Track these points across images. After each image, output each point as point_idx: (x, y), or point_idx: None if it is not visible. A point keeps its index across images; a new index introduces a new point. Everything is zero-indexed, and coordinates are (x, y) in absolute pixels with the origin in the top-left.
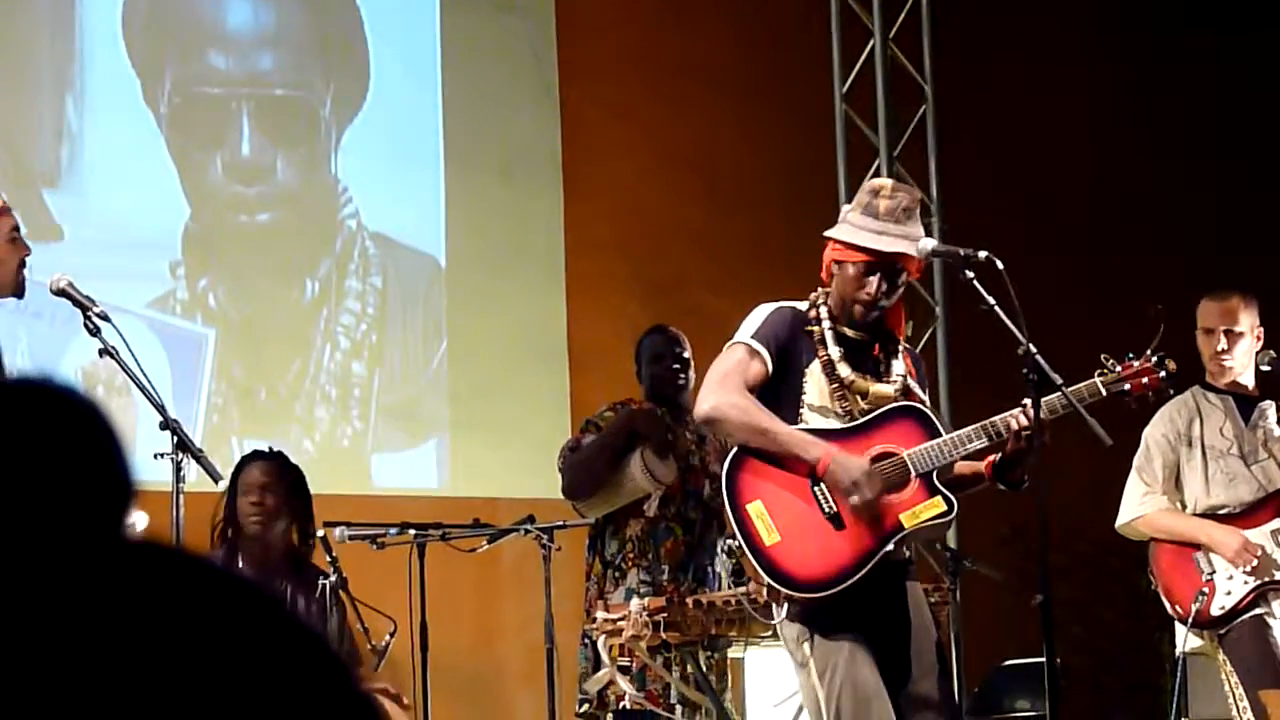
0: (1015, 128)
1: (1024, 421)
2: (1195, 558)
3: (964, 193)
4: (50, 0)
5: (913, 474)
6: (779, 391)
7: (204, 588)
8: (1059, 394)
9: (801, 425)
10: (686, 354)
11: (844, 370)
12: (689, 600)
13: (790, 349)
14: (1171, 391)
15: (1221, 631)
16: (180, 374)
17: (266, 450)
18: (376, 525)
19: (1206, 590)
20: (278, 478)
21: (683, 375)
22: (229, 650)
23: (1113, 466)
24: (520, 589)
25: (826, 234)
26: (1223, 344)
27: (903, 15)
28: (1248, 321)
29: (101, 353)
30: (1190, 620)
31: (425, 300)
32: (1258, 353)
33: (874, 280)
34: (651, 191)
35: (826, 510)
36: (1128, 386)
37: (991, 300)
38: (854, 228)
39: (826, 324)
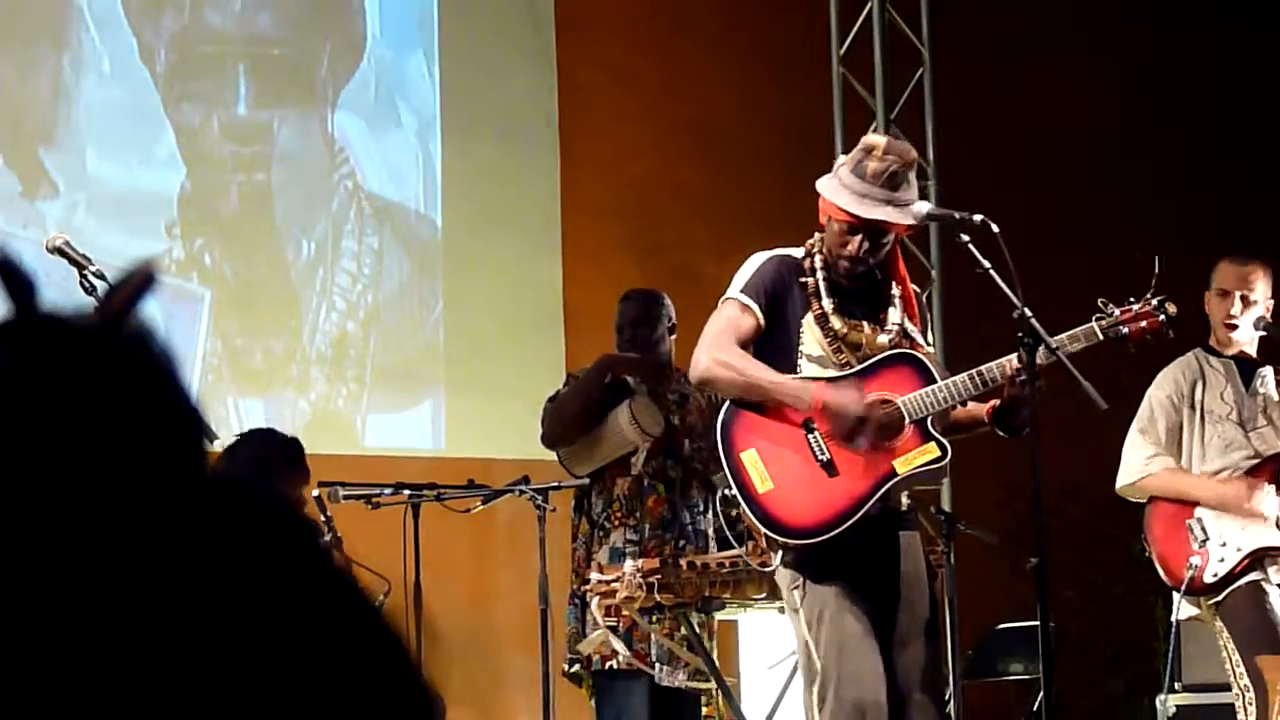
0: (1013, 89)
1: (1018, 365)
2: (1189, 524)
3: (961, 155)
4: None
5: (907, 420)
6: (774, 342)
7: (296, 540)
8: (1055, 351)
9: (797, 376)
10: (658, 312)
11: (837, 323)
12: (683, 562)
13: (783, 300)
14: (1171, 334)
15: (1218, 598)
16: (175, 334)
17: (261, 432)
18: (371, 485)
19: (1199, 558)
20: (275, 466)
21: (654, 333)
22: (320, 609)
23: (1108, 430)
24: (515, 550)
25: (817, 184)
26: (1237, 307)
27: None
28: (1263, 290)
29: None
30: (1184, 588)
31: (421, 261)
32: (1257, 319)
33: (855, 240)
34: (648, 154)
35: (820, 458)
36: (1126, 330)
37: (987, 263)
38: (840, 185)
39: (821, 274)
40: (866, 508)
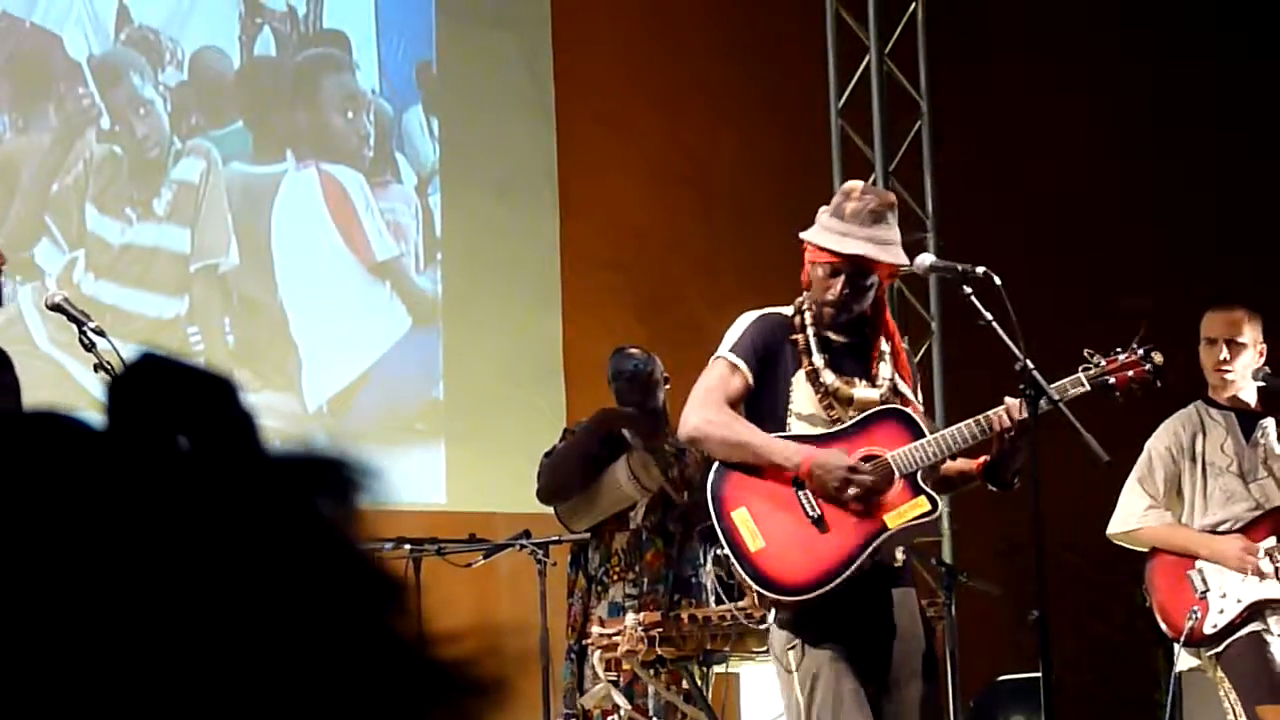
0: (1010, 139)
1: (1007, 421)
2: (1189, 575)
3: (959, 205)
4: None
5: (897, 475)
6: (764, 401)
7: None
8: (1057, 403)
9: (785, 434)
10: (648, 368)
11: (828, 378)
12: (684, 615)
13: (774, 358)
14: (1159, 384)
15: (1218, 649)
16: None
17: None
18: (372, 539)
19: (1199, 609)
20: None
21: (644, 387)
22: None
23: (1110, 482)
24: (516, 603)
25: (801, 235)
26: (1224, 354)
27: (898, 30)
28: (1251, 334)
29: (96, 368)
30: (1184, 639)
31: (421, 314)
32: (1255, 370)
33: (838, 282)
34: (648, 207)
35: (811, 514)
36: (1112, 380)
37: (989, 316)
38: (821, 228)
39: (810, 330)
40: (858, 563)
